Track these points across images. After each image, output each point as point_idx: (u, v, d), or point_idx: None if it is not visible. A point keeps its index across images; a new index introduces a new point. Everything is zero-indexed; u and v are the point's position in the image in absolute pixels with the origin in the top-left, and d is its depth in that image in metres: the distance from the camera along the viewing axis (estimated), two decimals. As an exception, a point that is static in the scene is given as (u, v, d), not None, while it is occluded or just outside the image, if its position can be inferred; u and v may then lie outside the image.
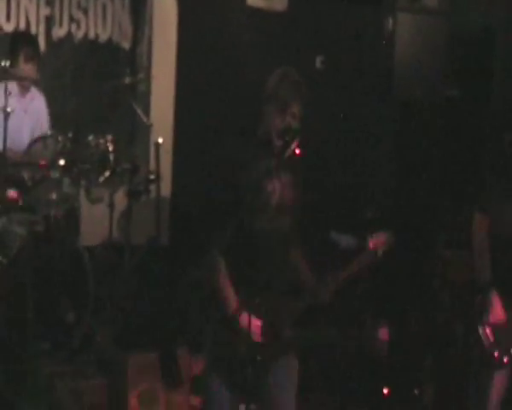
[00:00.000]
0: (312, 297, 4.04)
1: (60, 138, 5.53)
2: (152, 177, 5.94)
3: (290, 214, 4.03)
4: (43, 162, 5.47)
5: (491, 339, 4.56)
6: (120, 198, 5.90)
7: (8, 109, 5.12)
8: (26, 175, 5.39)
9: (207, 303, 4.03)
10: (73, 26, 6.47)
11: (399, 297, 5.75)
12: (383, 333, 5.48)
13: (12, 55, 5.49)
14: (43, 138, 5.57)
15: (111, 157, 5.71)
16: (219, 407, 4.01)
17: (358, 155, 6.24)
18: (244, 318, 3.90)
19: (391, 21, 6.26)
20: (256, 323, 3.91)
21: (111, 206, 5.83)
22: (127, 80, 6.08)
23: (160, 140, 5.83)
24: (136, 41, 6.75)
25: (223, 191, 3.95)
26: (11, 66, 5.31)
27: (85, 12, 6.51)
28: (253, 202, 3.92)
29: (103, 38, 6.63)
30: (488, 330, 4.57)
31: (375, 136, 6.25)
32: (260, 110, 4.13)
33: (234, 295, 3.92)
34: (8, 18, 6.09)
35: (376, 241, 4.05)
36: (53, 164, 5.47)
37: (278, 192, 4.00)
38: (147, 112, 6.50)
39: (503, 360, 4.56)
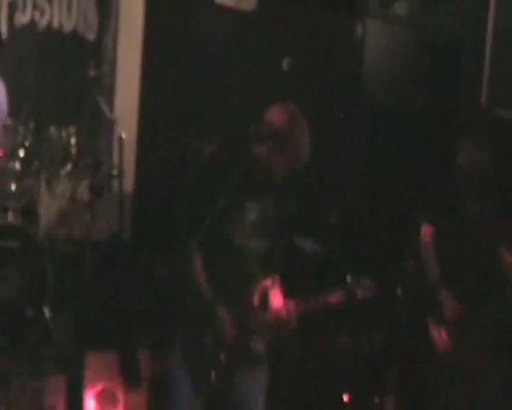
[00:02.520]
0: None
1: (20, 129, 5.38)
2: (115, 172, 5.85)
3: (268, 238, 3.92)
4: (1, 153, 5.34)
5: (446, 340, 4.66)
6: (83, 193, 5.79)
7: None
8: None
9: (180, 297, 3.97)
10: (37, 14, 6.31)
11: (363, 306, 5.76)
12: (345, 341, 5.51)
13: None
14: (1, 128, 5.41)
15: (73, 150, 5.60)
16: (184, 406, 3.93)
17: (325, 160, 6.21)
18: (220, 310, 3.84)
19: (361, 28, 6.26)
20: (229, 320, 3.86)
21: (72, 200, 5.72)
22: (91, 73, 5.95)
23: (124, 135, 5.73)
24: (101, 33, 6.60)
25: (186, 188, 3.91)
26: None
27: (50, 0, 6.36)
28: (227, 212, 3.81)
29: (68, 28, 6.47)
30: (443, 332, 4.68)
31: (342, 141, 6.24)
32: (250, 141, 3.83)
33: (209, 289, 3.83)
34: (-33, 1, 5.97)
35: (362, 288, 4.08)
36: (12, 155, 5.34)
37: (256, 214, 3.89)
38: (111, 106, 6.38)
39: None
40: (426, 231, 4.90)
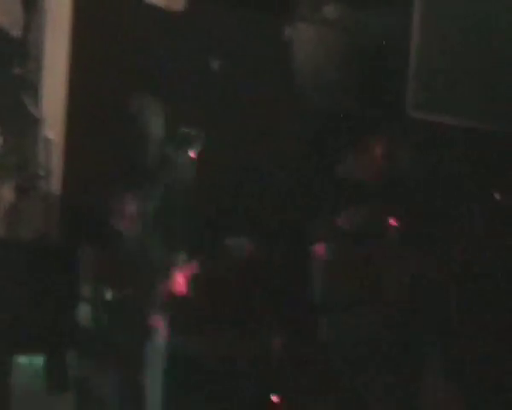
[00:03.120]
0: None
1: None
2: (41, 172, 5.72)
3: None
4: None
5: None
6: (7, 193, 5.64)
7: None
8: None
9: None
10: (-41, 10, 6.15)
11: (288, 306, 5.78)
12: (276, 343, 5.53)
13: None
14: None
15: (-3, 149, 5.46)
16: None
17: (256, 160, 6.22)
18: None
19: (290, 30, 6.28)
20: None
21: (-3, 201, 5.59)
22: (16, 70, 5.83)
23: (51, 135, 5.61)
24: (27, 29, 6.43)
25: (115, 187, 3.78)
26: None
27: (-28, -4, 6.20)
28: None
29: (-9, 24, 6.31)
30: None
31: (272, 144, 6.25)
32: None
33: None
34: None
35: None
36: None
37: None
38: (37, 104, 6.24)
39: None
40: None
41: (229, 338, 5.40)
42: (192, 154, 5.94)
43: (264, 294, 5.37)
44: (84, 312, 5.30)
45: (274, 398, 5.37)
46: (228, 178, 5.97)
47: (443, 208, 5.43)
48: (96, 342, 4.84)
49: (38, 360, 5.11)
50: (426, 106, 6.07)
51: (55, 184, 5.91)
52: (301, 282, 5.48)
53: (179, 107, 5.46)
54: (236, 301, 5.35)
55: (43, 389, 5.08)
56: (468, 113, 5.97)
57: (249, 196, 5.92)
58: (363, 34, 6.26)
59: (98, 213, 4.62)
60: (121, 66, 6.42)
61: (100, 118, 6.29)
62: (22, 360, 5.12)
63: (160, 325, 4.83)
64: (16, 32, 6.43)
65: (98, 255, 4.39)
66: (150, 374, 4.75)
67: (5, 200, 5.62)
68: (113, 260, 4.56)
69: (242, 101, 6.19)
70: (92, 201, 5.48)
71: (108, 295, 4.65)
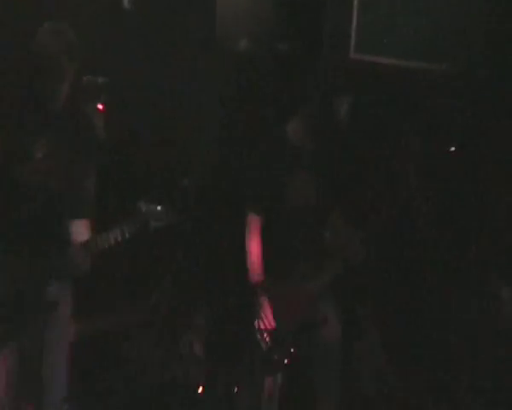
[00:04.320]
0: None
1: None
2: None
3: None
4: None
5: (269, 343, 4.47)
6: None
7: None
8: None
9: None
10: None
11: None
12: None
13: None
14: None
15: None
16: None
17: (174, 113, 5.41)
18: None
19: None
20: None
21: None
22: None
23: None
24: None
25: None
26: None
27: None
28: None
29: None
30: (265, 334, 4.48)
31: (193, 91, 5.45)
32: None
33: None
34: None
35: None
36: None
37: None
38: None
39: (282, 362, 4.44)
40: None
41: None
42: (100, 106, 5.13)
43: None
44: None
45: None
46: (141, 135, 5.21)
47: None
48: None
49: None
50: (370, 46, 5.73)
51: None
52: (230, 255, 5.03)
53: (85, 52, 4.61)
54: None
55: None
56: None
57: (168, 156, 5.19)
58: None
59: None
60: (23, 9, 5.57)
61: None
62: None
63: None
64: None
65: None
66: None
67: None
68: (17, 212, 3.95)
69: (157, 47, 5.37)
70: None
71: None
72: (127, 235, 3.95)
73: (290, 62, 5.41)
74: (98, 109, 5.16)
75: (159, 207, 4.05)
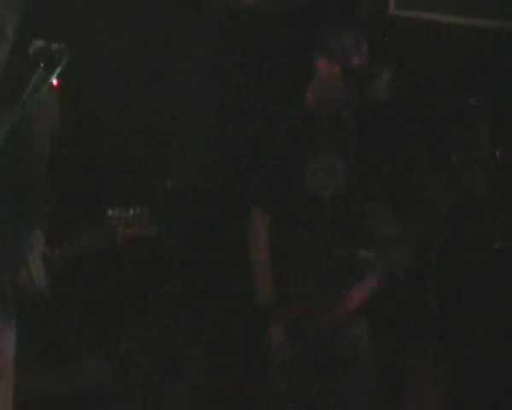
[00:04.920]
0: None
1: None
2: None
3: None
4: None
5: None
6: None
7: None
8: None
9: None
10: None
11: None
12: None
13: None
14: None
15: None
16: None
17: (156, 92, 4.28)
18: None
19: None
20: None
21: None
22: None
23: None
24: None
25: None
26: None
27: None
28: None
29: None
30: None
31: (182, 61, 4.34)
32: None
33: None
34: None
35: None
36: None
37: None
38: None
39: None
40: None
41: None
42: (55, 81, 4.21)
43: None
44: None
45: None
46: (109, 120, 4.09)
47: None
48: None
49: None
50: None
51: None
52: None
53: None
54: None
55: None
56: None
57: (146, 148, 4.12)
58: None
59: None
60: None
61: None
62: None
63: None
64: None
65: None
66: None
67: None
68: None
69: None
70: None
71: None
72: (88, 249, 3.33)
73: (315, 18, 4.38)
74: (51, 86, 4.06)
75: (131, 211, 3.45)
